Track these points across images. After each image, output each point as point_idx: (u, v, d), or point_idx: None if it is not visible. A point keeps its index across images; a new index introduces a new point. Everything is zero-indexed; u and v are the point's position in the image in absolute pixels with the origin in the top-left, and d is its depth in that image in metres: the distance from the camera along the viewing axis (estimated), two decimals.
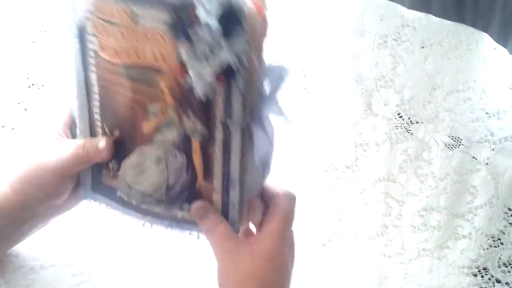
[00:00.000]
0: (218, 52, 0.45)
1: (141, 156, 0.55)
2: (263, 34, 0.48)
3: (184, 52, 0.46)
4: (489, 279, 0.69)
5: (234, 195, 0.53)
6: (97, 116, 0.57)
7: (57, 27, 0.64)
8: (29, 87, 0.70)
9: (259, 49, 0.48)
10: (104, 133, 0.57)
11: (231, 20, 0.44)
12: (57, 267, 0.66)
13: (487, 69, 0.65)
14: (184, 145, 0.53)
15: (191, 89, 0.48)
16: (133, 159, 0.56)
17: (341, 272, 0.75)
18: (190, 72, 0.46)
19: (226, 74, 0.46)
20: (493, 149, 0.67)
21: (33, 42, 0.70)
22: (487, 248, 0.69)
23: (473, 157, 0.68)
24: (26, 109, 0.70)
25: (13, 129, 0.70)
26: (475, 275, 0.70)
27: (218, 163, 0.52)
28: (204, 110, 0.50)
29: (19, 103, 0.70)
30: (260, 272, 0.51)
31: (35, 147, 0.59)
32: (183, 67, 0.47)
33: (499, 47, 0.65)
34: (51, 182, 0.56)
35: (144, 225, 0.59)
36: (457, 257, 0.70)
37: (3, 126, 0.70)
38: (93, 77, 0.55)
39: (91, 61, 0.54)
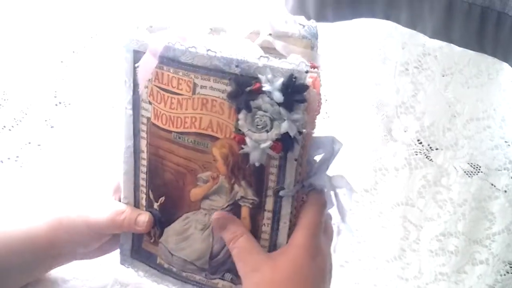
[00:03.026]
0: (278, 122, 0.46)
1: (186, 222, 0.55)
2: (317, 108, 0.49)
3: (244, 122, 0.47)
4: None
5: None
6: (142, 182, 0.56)
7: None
8: (56, 105, 0.72)
9: (313, 121, 0.49)
10: (148, 199, 0.57)
11: (293, 92, 0.45)
12: (78, 281, 0.67)
13: (507, 98, 0.66)
14: (232, 212, 0.53)
15: (245, 158, 0.48)
16: (177, 225, 0.55)
17: None
18: (248, 142, 0.47)
19: (284, 145, 0.47)
20: (511, 177, 0.68)
21: (61, 61, 0.72)
22: (504, 274, 0.69)
23: (492, 184, 0.68)
24: (52, 127, 0.72)
25: (39, 145, 0.72)
26: None
27: (266, 230, 0.52)
28: (256, 178, 0.50)
29: (46, 121, 0.72)
30: None
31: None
32: (239, 136, 0.47)
33: None
34: (84, 234, 0.58)
35: None
36: (474, 283, 0.71)
37: (29, 143, 0.71)
38: (143, 144, 0.54)
39: (143, 127, 0.53)
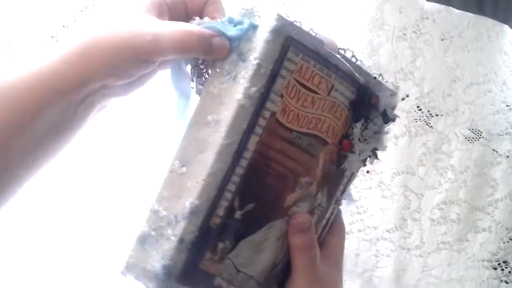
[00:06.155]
0: (377, 136, 0.50)
1: (268, 232, 0.49)
2: None
3: (358, 131, 0.48)
4: (509, 272, 0.70)
5: None
6: (231, 187, 0.46)
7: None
8: None
9: None
10: (229, 208, 0.46)
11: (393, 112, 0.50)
12: None
13: (508, 61, 0.65)
14: None
15: (339, 166, 0.49)
16: (257, 236, 0.48)
17: (359, 265, 0.75)
18: (354, 151, 0.49)
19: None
20: None
21: (52, 36, 0.71)
22: (507, 241, 0.69)
23: (494, 150, 0.68)
24: None
25: None
26: (495, 268, 0.70)
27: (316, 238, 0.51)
28: (334, 187, 0.51)
29: None
30: None
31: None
32: (348, 141, 0.49)
33: None
34: (128, 59, 0.43)
35: None
36: (476, 250, 0.70)
37: None
38: (253, 141, 0.46)
39: (261, 122, 0.46)
